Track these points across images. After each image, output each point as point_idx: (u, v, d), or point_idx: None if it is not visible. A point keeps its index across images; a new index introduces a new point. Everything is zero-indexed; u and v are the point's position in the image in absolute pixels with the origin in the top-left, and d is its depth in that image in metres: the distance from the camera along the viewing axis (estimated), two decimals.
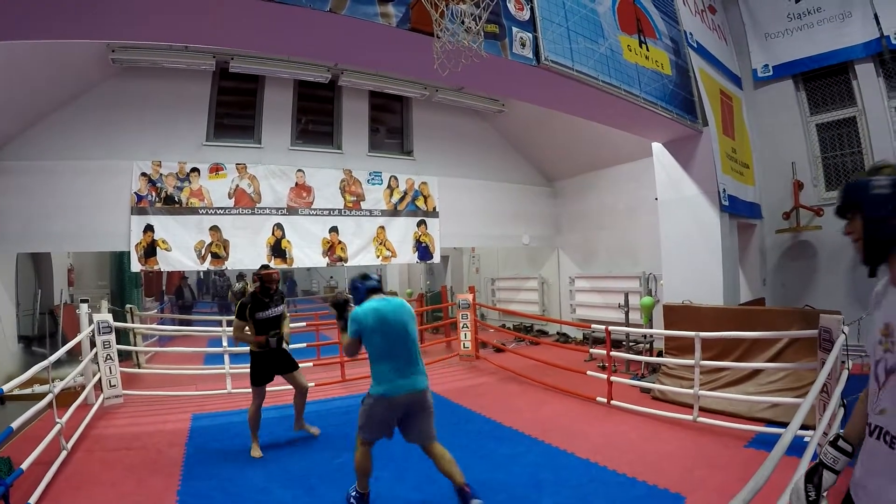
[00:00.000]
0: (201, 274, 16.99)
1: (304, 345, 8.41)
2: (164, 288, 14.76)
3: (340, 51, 4.34)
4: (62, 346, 6.36)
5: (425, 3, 3.34)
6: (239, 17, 3.56)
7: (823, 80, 8.27)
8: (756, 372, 5.46)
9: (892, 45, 7.26)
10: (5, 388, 3.95)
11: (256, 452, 4.88)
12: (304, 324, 9.25)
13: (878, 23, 7.37)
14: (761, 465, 2.09)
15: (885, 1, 7.33)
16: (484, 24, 3.48)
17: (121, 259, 10.19)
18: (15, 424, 3.84)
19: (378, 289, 3.78)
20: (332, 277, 20.26)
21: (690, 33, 7.22)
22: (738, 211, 7.52)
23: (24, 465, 3.85)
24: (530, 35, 4.61)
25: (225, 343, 7.17)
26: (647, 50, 6.21)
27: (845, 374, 4.04)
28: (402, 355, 3.58)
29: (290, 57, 8.05)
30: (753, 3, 8.73)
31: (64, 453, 4.60)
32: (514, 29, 4.49)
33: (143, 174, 7.70)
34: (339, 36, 3.87)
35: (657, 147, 7.66)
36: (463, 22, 3.37)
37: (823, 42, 8.00)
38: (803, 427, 2.66)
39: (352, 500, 3.75)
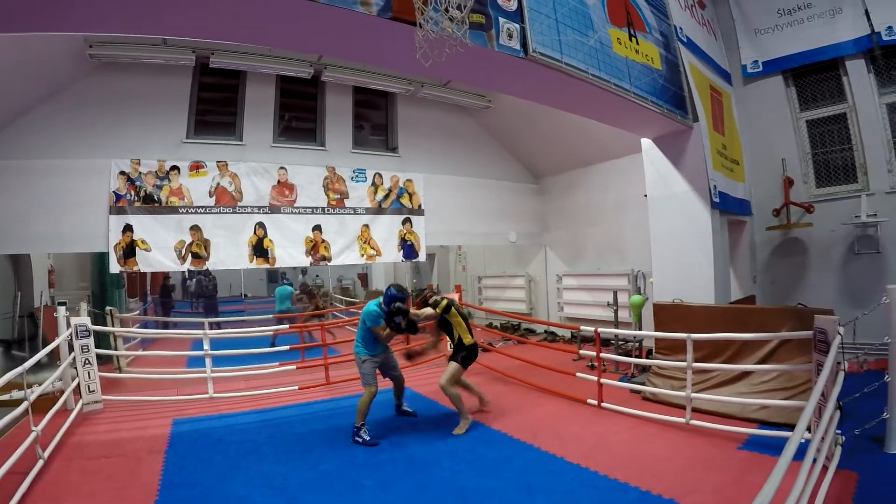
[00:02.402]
0: (186, 273, 16.76)
1: (288, 347, 8.27)
2: (147, 289, 14.49)
3: (319, 41, 4.17)
4: (42, 349, 6.18)
5: None
6: (215, 6, 3.39)
7: (813, 76, 8.20)
8: (748, 372, 5.37)
9: (883, 42, 7.21)
10: None
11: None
12: (287, 326, 9.10)
13: (868, 19, 7.31)
14: (761, 468, 2.07)
15: None
16: (469, 13, 3.33)
17: (102, 260, 9.91)
18: None
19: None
20: (318, 276, 20.10)
21: (680, 28, 7.12)
22: (728, 207, 7.44)
23: None
24: (518, 26, 4.47)
25: (206, 346, 6.98)
26: (637, 44, 6.09)
27: (841, 375, 3.95)
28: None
29: (272, 51, 7.89)
30: None
31: (40, 462, 4.44)
32: (501, 19, 4.34)
33: (122, 172, 7.51)
34: (317, 25, 3.70)
35: (646, 143, 7.56)
36: (447, 10, 3.22)
37: (814, 38, 7.94)
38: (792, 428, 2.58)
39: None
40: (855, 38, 7.54)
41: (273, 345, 9.46)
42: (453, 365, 5.50)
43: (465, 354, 5.54)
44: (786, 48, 8.26)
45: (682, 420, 5.12)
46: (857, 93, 7.70)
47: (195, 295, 16.28)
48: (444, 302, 5.58)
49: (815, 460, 2.98)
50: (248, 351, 7.88)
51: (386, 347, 5.65)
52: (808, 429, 3.35)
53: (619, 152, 9.33)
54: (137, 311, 11.99)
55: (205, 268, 8.07)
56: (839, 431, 4.04)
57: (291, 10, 3.45)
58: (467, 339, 5.58)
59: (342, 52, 4.74)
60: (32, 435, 4.37)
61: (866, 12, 7.33)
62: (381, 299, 5.44)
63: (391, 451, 4.87)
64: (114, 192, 7.44)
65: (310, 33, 3.87)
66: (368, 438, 5.07)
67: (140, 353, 9.51)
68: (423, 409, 6.20)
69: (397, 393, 5.99)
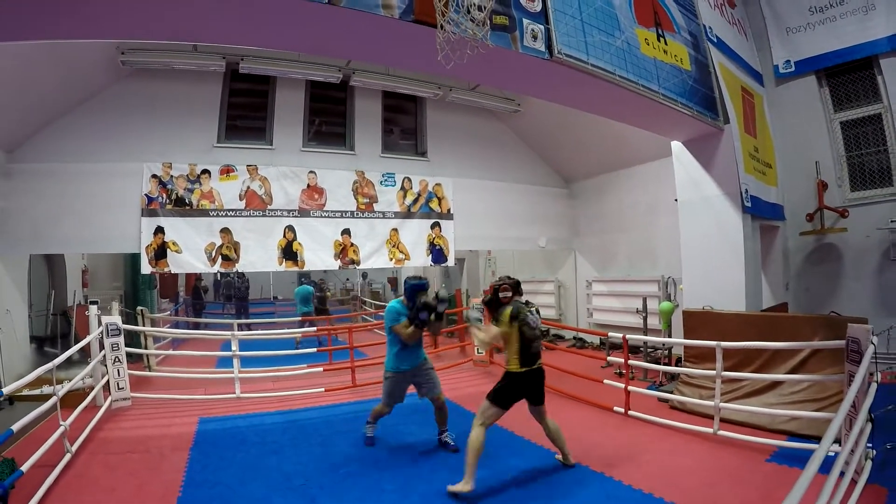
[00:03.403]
0: (218, 275, 17.09)
1: (315, 349, 8.36)
2: (180, 289, 14.82)
3: (341, 45, 4.18)
4: (73, 347, 6.36)
5: None
6: (233, 10, 3.44)
7: (847, 75, 7.95)
8: (778, 382, 5.21)
9: None
10: (6, 390, 3.99)
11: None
12: (315, 329, 9.19)
13: None
14: (789, 482, 1.96)
15: None
16: (490, 14, 3.31)
17: (134, 261, 10.20)
18: (16, 426, 3.81)
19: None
20: (347, 279, 20.30)
21: (710, 27, 6.97)
22: (760, 212, 7.24)
23: (24, 468, 3.83)
24: (542, 27, 4.43)
25: (235, 347, 7.09)
26: (666, 44, 5.98)
27: (874, 386, 3.80)
28: None
29: (300, 57, 7.97)
30: None
31: (68, 456, 4.56)
32: (525, 21, 4.30)
33: (154, 176, 7.67)
34: (339, 29, 3.73)
35: (677, 146, 7.41)
36: (469, 11, 3.21)
37: (847, 36, 7.70)
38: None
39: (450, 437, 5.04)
40: (889, 36, 7.29)
41: (297, 346, 9.59)
42: (485, 402, 4.19)
43: (500, 386, 4.19)
44: (818, 47, 8.03)
45: (709, 430, 4.99)
46: (893, 92, 7.44)
47: (227, 296, 16.62)
48: (508, 312, 4.16)
49: (843, 473, 2.88)
50: (275, 353, 8.00)
51: (416, 363, 4.91)
52: (838, 441, 3.22)
53: (651, 156, 9.16)
54: (169, 312, 12.27)
55: (234, 270, 8.19)
56: (870, 445, 3.87)
57: (313, 14, 3.47)
58: (511, 365, 4.14)
59: (365, 54, 4.76)
60: (60, 429, 4.49)
61: None
62: (403, 296, 4.98)
63: (413, 455, 4.86)
64: (146, 194, 7.60)
65: (332, 37, 3.90)
66: (369, 435, 5.19)
67: (169, 352, 9.71)
68: (450, 414, 6.13)
69: (438, 419, 5.09)
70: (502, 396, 4.14)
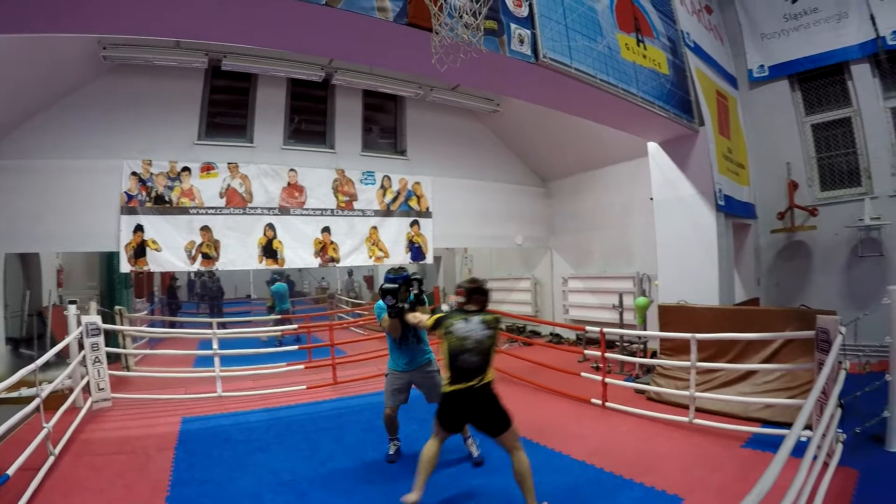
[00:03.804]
0: (192, 275, 16.88)
1: (296, 347, 8.35)
2: (154, 289, 14.61)
3: (337, 46, 4.25)
4: (51, 348, 6.22)
5: None
6: (233, 11, 3.48)
7: (819, 80, 8.27)
8: (751, 372, 5.43)
9: (888, 46, 7.28)
10: None
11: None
12: (296, 326, 9.18)
13: (874, 23, 7.38)
14: (764, 466, 2.07)
15: (880, 2, 7.33)
16: (483, 19, 3.41)
17: (110, 259, 10.04)
18: (1, 430, 3.69)
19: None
20: (323, 278, 20.17)
21: (687, 33, 7.20)
22: (733, 211, 7.51)
23: (9, 471, 3.75)
24: (528, 32, 4.55)
25: (215, 345, 7.06)
26: (645, 49, 6.17)
27: (843, 374, 4.02)
28: None
29: (283, 55, 7.97)
30: (750, 3, 8.74)
31: (51, 458, 4.48)
32: (513, 25, 4.43)
33: (134, 173, 7.59)
34: (335, 31, 3.80)
35: (653, 147, 7.64)
36: (461, 17, 3.30)
37: (819, 43, 8.01)
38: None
39: (475, 447, 4.64)
40: (860, 43, 7.61)
41: (280, 343, 9.58)
42: None
43: (439, 406, 3.71)
44: (792, 53, 8.33)
45: (685, 419, 5.18)
46: (862, 97, 7.78)
47: (201, 296, 16.42)
48: (433, 318, 3.87)
49: (815, 457, 3.05)
50: (256, 351, 7.99)
51: (417, 364, 4.59)
52: (810, 427, 3.41)
53: (626, 156, 9.39)
54: (145, 311, 12.10)
55: (215, 268, 8.13)
56: (840, 430, 4.11)
57: (311, 15, 3.53)
58: (445, 381, 3.63)
59: (359, 56, 4.84)
60: (44, 432, 4.39)
61: (871, 17, 7.41)
62: None
63: (404, 452, 4.91)
64: (125, 192, 7.51)
65: (327, 38, 3.96)
66: (389, 453, 4.72)
67: (149, 351, 9.59)
68: (431, 410, 6.23)
69: None
70: (440, 416, 3.64)
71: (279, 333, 9.91)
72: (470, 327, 3.58)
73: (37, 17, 3.48)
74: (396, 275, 4.40)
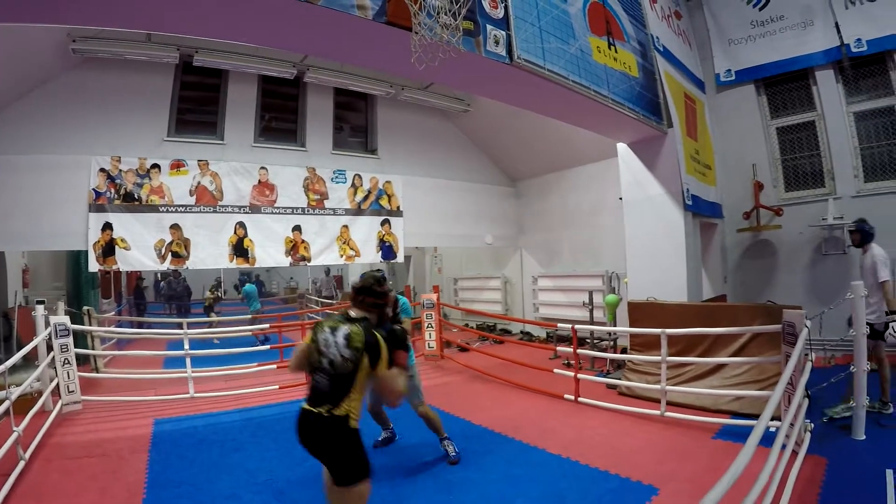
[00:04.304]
0: (158, 275, 16.55)
1: (269, 346, 8.29)
2: (121, 289, 14.28)
3: (315, 43, 4.25)
4: (17, 349, 6.03)
5: None
6: (212, 4, 3.45)
7: (784, 85, 8.57)
8: (720, 366, 5.60)
9: (852, 53, 7.58)
10: None
11: None
12: (269, 325, 9.11)
13: (838, 31, 7.67)
14: (735, 455, 2.13)
15: (845, 10, 7.62)
16: (461, 20, 3.46)
17: (77, 259, 9.79)
18: None
19: None
20: (291, 278, 19.94)
21: (657, 37, 7.38)
22: (700, 210, 7.73)
23: None
24: (504, 33, 4.62)
25: (187, 346, 6.96)
26: (616, 52, 6.31)
27: (809, 366, 4.18)
28: None
29: (255, 51, 7.89)
30: (718, 9, 8.99)
31: (22, 463, 4.38)
32: (489, 27, 4.49)
33: (102, 170, 7.42)
34: (314, 27, 3.79)
35: (622, 147, 7.81)
36: (439, 17, 3.35)
37: (785, 49, 8.29)
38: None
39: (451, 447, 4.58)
40: (825, 50, 7.91)
41: (264, 343, 9.50)
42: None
43: None
44: (758, 58, 8.60)
45: (657, 413, 5.32)
46: (826, 102, 8.08)
47: (168, 296, 16.14)
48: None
49: (784, 446, 3.18)
50: (228, 350, 7.88)
51: None
52: (779, 418, 3.55)
53: (595, 157, 9.56)
54: (112, 312, 11.83)
55: (185, 267, 7.98)
56: (808, 420, 4.27)
57: (289, 11, 3.52)
58: (353, 421, 2.70)
59: (337, 54, 4.82)
60: (14, 436, 4.29)
61: (836, 25, 7.70)
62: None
63: (389, 439, 5.01)
64: (94, 189, 7.34)
65: (306, 34, 3.95)
66: (377, 438, 4.96)
67: (119, 353, 9.39)
68: (405, 407, 6.25)
69: (429, 427, 4.71)
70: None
71: (250, 333, 9.83)
72: (333, 341, 2.72)
73: (5, 7, 3.40)
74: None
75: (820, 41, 7.94)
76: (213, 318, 12.02)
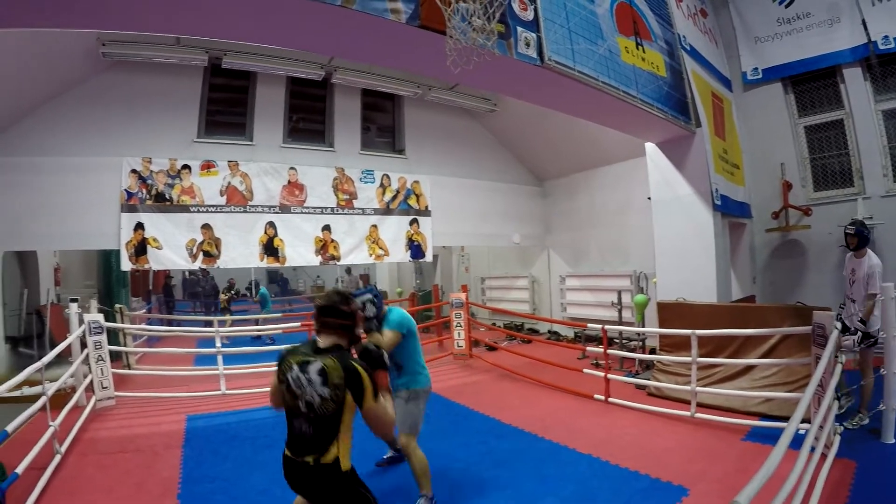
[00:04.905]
0: (186, 274, 16.83)
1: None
2: (149, 288, 14.58)
3: (347, 46, 4.31)
4: (49, 346, 6.16)
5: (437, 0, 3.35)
6: (248, 10, 3.53)
7: (812, 83, 8.44)
8: (749, 367, 5.56)
9: (879, 50, 7.45)
10: None
11: None
12: (299, 324, 9.22)
13: (865, 28, 7.55)
14: (764, 457, 2.14)
15: (872, 7, 7.50)
16: (495, 24, 3.49)
17: (108, 258, 10.03)
18: (9, 428, 3.73)
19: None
20: (318, 276, 20.14)
21: (684, 36, 7.33)
22: (729, 210, 7.65)
23: (18, 470, 3.74)
24: (534, 35, 4.65)
25: (219, 343, 7.09)
26: (644, 52, 6.28)
27: (838, 368, 4.14)
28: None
29: (283, 53, 7.99)
30: (744, 7, 8.89)
31: (58, 457, 4.49)
32: (519, 29, 4.52)
33: (134, 171, 7.57)
34: (348, 31, 3.86)
35: (650, 147, 7.76)
36: (472, 21, 3.39)
37: (812, 46, 8.18)
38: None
39: None
40: (852, 47, 7.78)
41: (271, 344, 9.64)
42: None
43: None
44: (785, 56, 8.49)
45: (687, 414, 5.30)
46: (854, 100, 7.95)
47: (196, 294, 16.44)
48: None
49: (813, 448, 3.16)
50: (259, 349, 7.99)
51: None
52: (808, 420, 3.53)
53: (622, 156, 9.51)
54: (143, 310, 12.09)
55: (216, 266, 8.12)
56: (837, 422, 4.23)
57: (323, 15, 3.58)
58: (344, 462, 2.37)
59: (368, 56, 4.89)
60: (50, 430, 4.39)
61: (863, 22, 7.58)
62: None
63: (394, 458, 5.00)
64: (125, 189, 7.50)
65: (339, 37, 4.03)
66: (383, 457, 4.54)
67: (151, 350, 9.58)
68: (435, 405, 6.32)
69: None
70: None
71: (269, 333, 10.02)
72: (305, 379, 2.29)
73: (37, 12, 3.50)
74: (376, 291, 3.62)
75: (847, 39, 7.82)
76: (228, 317, 12.21)
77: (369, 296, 3.44)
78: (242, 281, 16.62)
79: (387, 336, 3.59)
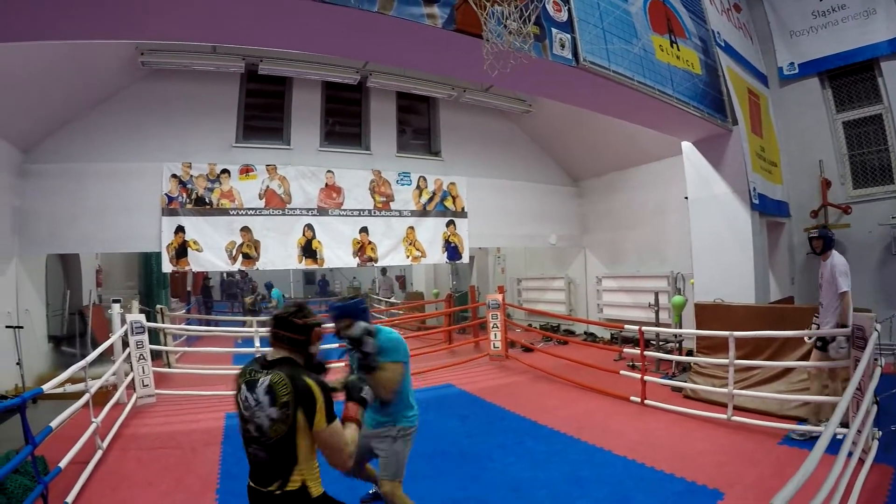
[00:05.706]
0: (224, 275, 17.22)
1: (337, 345, 8.51)
2: (189, 289, 14.98)
3: (384, 51, 4.41)
4: (91, 346, 6.36)
5: (472, 4, 3.39)
6: (290, 19, 3.63)
7: (849, 77, 8.21)
8: (787, 370, 5.46)
9: None
10: (45, 387, 3.93)
11: None
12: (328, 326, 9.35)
13: None
14: (801, 461, 2.12)
15: None
16: (531, 26, 3.52)
17: (148, 260, 10.34)
18: (53, 424, 3.83)
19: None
20: (354, 278, 20.40)
21: (718, 32, 7.21)
22: (767, 209, 7.51)
23: (61, 464, 3.84)
24: (569, 36, 4.65)
25: (258, 343, 7.26)
26: (678, 49, 6.22)
27: (878, 371, 4.04)
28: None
29: (319, 58, 8.12)
30: (778, 1, 8.69)
31: (99, 452, 4.62)
32: (554, 30, 4.53)
33: (174, 176, 7.80)
34: (385, 36, 3.94)
35: (687, 146, 7.65)
36: (506, 25, 3.43)
37: (848, 39, 7.96)
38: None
39: None
40: (889, 39, 7.56)
41: None
42: None
43: None
44: (821, 50, 8.28)
45: (723, 416, 5.23)
46: (893, 94, 7.71)
47: (235, 295, 16.84)
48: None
49: (851, 453, 3.09)
50: None
51: (379, 423, 3.20)
52: (846, 424, 3.45)
53: (659, 155, 9.39)
54: (182, 310, 12.41)
55: (255, 268, 8.31)
56: (876, 426, 4.12)
57: (360, 21, 3.66)
58: (314, 488, 2.07)
59: (404, 61, 4.95)
60: (92, 426, 4.51)
61: None
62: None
63: (442, 444, 5.03)
64: (166, 194, 7.72)
65: (376, 43, 4.11)
66: (368, 492, 3.83)
67: (191, 349, 9.82)
68: (472, 406, 6.40)
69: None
70: None
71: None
72: (253, 400, 2.01)
73: (78, 24, 3.64)
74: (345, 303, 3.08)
75: (883, 30, 7.59)
76: (249, 318, 12.48)
77: (365, 325, 2.90)
78: (281, 283, 17.04)
79: (391, 372, 2.98)
